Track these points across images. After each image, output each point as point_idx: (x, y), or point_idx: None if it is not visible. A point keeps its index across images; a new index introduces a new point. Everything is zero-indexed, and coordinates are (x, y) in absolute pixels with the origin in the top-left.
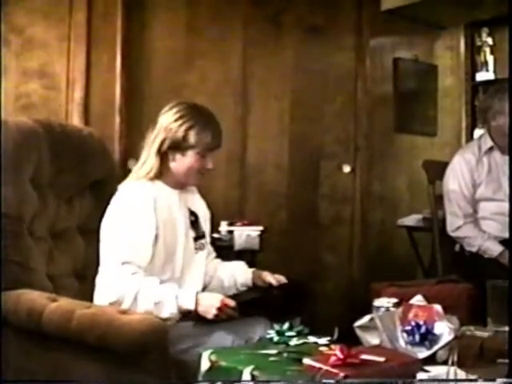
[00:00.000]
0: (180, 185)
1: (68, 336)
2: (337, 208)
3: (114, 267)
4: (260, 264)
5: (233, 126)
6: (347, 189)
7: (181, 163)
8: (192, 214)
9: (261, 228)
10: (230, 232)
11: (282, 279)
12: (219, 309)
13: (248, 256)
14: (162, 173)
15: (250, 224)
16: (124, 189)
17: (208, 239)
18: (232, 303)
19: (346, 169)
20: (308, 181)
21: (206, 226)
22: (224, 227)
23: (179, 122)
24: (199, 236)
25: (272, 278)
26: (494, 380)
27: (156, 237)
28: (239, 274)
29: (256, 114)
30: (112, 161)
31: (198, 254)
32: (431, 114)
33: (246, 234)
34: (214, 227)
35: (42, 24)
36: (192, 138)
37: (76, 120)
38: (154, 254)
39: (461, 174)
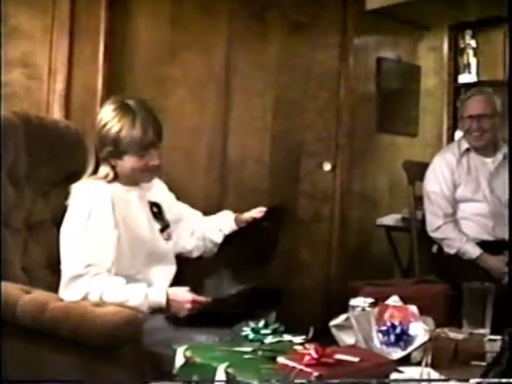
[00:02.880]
0: (136, 182)
1: (42, 328)
2: (316, 205)
3: (77, 270)
4: None
5: (214, 121)
6: (327, 187)
7: (122, 167)
8: (154, 205)
9: None
10: None
11: (262, 209)
12: (191, 307)
13: None
14: (116, 175)
15: None
16: (80, 190)
17: (181, 206)
18: (203, 300)
19: (327, 167)
20: (289, 177)
21: (171, 211)
22: None
23: (106, 129)
24: (165, 226)
25: (253, 213)
26: (467, 380)
27: (118, 236)
28: (225, 226)
29: (238, 109)
30: (88, 154)
31: (168, 244)
32: (413, 114)
33: None
34: None
35: (26, 14)
36: (121, 142)
37: (57, 111)
38: (119, 253)
39: (441, 174)
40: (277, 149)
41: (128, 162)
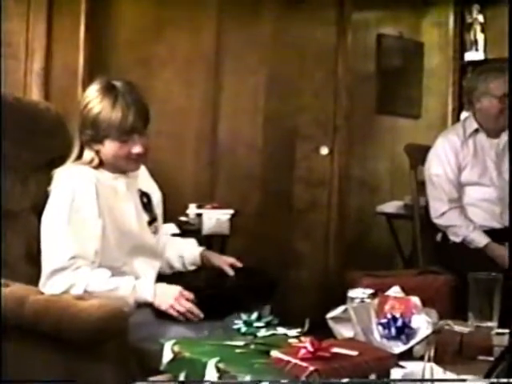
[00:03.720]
0: (122, 170)
1: (22, 323)
2: (313, 192)
3: (60, 263)
4: (230, 249)
5: (203, 103)
6: (324, 172)
7: (104, 153)
8: (144, 195)
9: (231, 211)
10: (199, 215)
11: (236, 263)
12: (177, 301)
13: (217, 241)
14: (101, 161)
15: (220, 207)
16: (63, 175)
17: (160, 220)
18: (190, 296)
19: (324, 151)
20: (283, 163)
21: (158, 207)
22: (192, 210)
23: (87, 110)
24: (153, 219)
25: (224, 264)
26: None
27: (103, 226)
28: (187, 253)
29: (229, 91)
30: (70, 138)
31: (155, 238)
32: (415, 94)
33: (215, 218)
34: (182, 210)
35: None
36: (100, 125)
37: (35, 92)
38: (104, 244)
39: (445, 156)
40: (270, 132)
41: (109, 148)
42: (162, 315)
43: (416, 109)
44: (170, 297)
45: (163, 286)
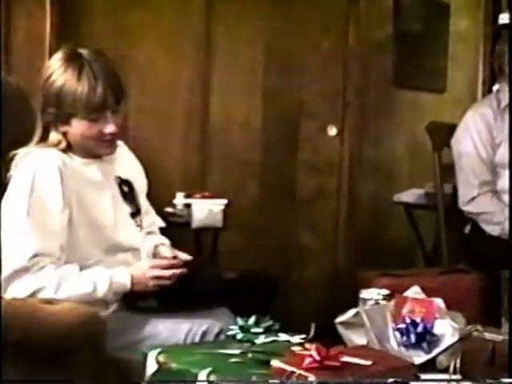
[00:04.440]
0: (95, 154)
1: None
2: (319, 179)
3: (21, 262)
4: (223, 245)
5: (192, 77)
6: (333, 155)
7: (72, 134)
8: (125, 183)
9: (225, 201)
10: (187, 206)
11: (184, 256)
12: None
13: (209, 235)
14: (70, 144)
15: (211, 196)
16: (24, 159)
17: (149, 212)
18: (162, 262)
19: (332, 131)
20: (285, 145)
21: (143, 196)
22: (180, 200)
23: (49, 83)
24: (137, 210)
25: (169, 253)
26: None
27: (69, 218)
28: (143, 248)
29: (221, 63)
30: (36, 117)
31: (139, 233)
32: (440, 64)
33: (206, 209)
34: (168, 200)
35: None
36: (64, 100)
37: None
38: (72, 240)
39: (476, 131)
40: (270, 110)
41: (77, 128)
42: (145, 313)
43: (440, 81)
44: (146, 272)
45: (136, 266)
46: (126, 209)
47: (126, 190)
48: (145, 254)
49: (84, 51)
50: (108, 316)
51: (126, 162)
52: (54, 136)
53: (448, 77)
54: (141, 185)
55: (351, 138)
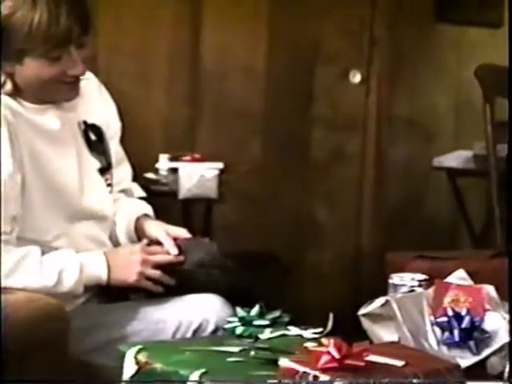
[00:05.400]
0: (52, 100)
1: None
2: (339, 138)
3: None
4: (218, 221)
5: (178, 8)
6: (356, 109)
7: (23, 76)
8: (91, 128)
9: (220, 165)
10: (173, 171)
11: (184, 234)
12: (141, 266)
13: (200, 208)
14: (17, 87)
15: (203, 159)
16: None
17: (123, 167)
18: (156, 258)
19: (356, 77)
20: (295, 95)
21: (115, 144)
22: (164, 163)
23: None
24: (108, 164)
25: (163, 236)
26: None
27: (22, 182)
28: (120, 218)
29: None
30: None
31: (110, 195)
32: None
33: (197, 175)
34: (149, 163)
35: None
36: (15, 32)
37: None
38: (26, 209)
39: None
40: (276, 50)
41: (32, 69)
42: (122, 305)
43: (494, 12)
44: (132, 265)
45: (115, 252)
46: (93, 164)
47: (94, 139)
48: (123, 229)
49: None
50: (76, 310)
51: (93, 100)
52: None
53: (504, 8)
54: (112, 128)
55: (379, 86)
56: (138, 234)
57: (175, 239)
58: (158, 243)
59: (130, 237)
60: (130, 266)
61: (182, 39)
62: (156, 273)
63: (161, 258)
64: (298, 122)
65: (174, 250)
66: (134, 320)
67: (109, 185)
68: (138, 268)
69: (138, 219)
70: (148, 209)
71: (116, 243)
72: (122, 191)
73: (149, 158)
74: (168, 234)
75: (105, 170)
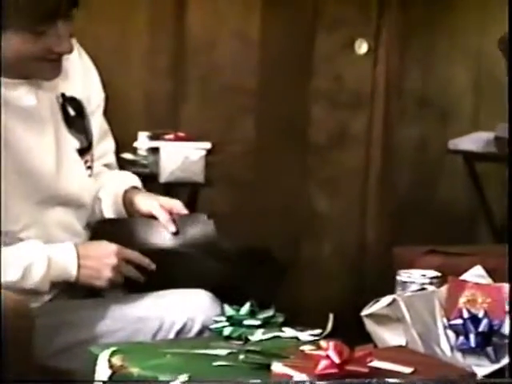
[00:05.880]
0: (31, 76)
1: None
2: (342, 116)
3: None
4: (205, 208)
5: None
6: (362, 83)
7: (6, 50)
8: (71, 102)
9: (207, 145)
10: (154, 151)
11: (180, 209)
12: (115, 268)
13: (184, 193)
14: None
15: (188, 138)
16: None
17: (106, 144)
18: (133, 254)
19: (362, 47)
20: (293, 67)
21: (96, 116)
22: (143, 142)
23: None
24: (89, 144)
25: (158, 210)
26: None
27: None
28: (105, 192)
29: None
30: None
31: (89, 179)
32: None
33: (181, 156)
34: (127, 142)
35: None
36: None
37: None
38: None
39: None
40: (272, 16)
41: (12, 44)
42: (93, 302)
43: None
44: (105, 264)
45: (88, 249)
46: (72, 143)
47: (73, 115)
48: (109, 204)
49: None
50: (42, 306)
51: (73, 70)
52: None
53: None
54: (95, 101)
55: (388, 57)
56: (128, 208)
57: (170, 214)
58: (152, 217)
59: (118, 212)
60: (101, 268)
61: (164, 3)
62: (130, 270)
63: (136, 258)
64: (296, 98)
65: (172, 227)
66: (109, 319)
67: (89, 167)
68: (108, 274)
69: (125, 192)
70: (136, 180)
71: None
72: (105, 165)
73: (126, 137)
74: (162, 207)
75: (85, 150)
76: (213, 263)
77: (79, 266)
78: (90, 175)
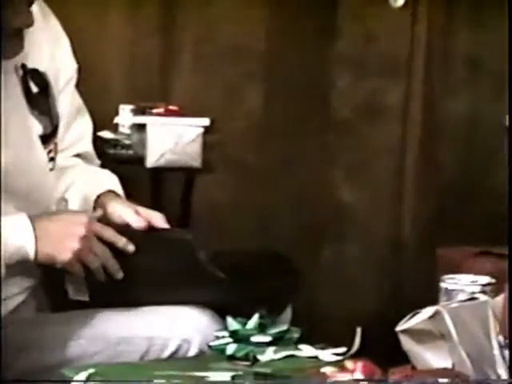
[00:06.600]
0: None
1: None
2: (372, 86)
3: None
4: (202, 199)
5: None
6: (397, 44)
7: None
8: (34, 76)
9: (205, 122)
10: (140, 128)
11: (159, 220)
12: (83, 240)
13: (177, 181)
14: None
15: (181, 113)
16: None
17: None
18: (108, 231)
19: (397, 0)
20: (312, 23)
21: (66, 92)
22: (126, 117)
23: None
24: (55, 128)
25: (133, 219)
26: None
27: None
28: (74, 193)
29: None
30: None
31: (51, 170)
32: None
33: (173, 135)
34: (106, 117)
35: None
36: None
37: None
38: None
39: None
40: None
41: None
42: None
43: None
44: (69, 239)
45: (48, 219)
46: (34, 128)
47: (36, 92)
48: (75, 208)
49: None
50: (4, 318)
51: (35, 35)
52: None
53: None
54: (64, 74)
55: (430, 12)
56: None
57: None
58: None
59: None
60: (66, 238)
61: None
62: (104, 251)
63: (111, 236)
64: (314, 63)
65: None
66: (85, 338)
67: (51, 159)
68: (75, 244)
69: (98, 197)
70: (114, 183)
71: None
72: (78, 156)
73: (105, 111)
74: (139, 214)
75: (48, 137)
76: (198, 288)
77: (36, 239)
78: (51, 169)
